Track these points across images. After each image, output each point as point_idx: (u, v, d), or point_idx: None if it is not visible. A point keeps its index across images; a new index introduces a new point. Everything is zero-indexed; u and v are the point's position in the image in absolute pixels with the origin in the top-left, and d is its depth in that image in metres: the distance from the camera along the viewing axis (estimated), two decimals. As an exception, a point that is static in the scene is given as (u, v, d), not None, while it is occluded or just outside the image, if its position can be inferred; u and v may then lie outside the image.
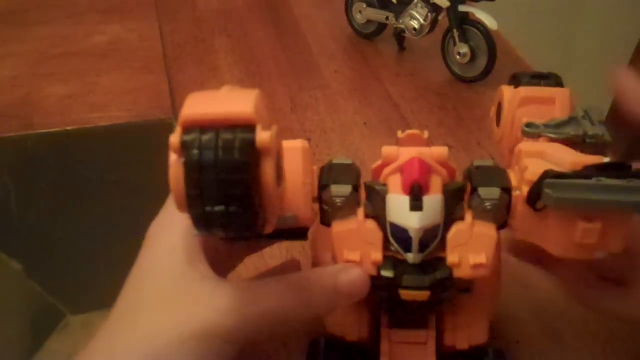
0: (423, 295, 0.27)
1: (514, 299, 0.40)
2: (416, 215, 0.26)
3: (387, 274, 0.27)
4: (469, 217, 0.28)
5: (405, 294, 0.27)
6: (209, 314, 0.25)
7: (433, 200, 0.26)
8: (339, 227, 0.28)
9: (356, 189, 0.28)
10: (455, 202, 0.28)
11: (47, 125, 0.57)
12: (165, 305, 0.26)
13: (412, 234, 0.26)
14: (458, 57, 0.62)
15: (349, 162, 0.30)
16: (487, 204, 0.27)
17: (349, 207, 0.28)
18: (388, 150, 0.28)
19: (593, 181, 0.25)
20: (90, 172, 0.58)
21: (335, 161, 0.30)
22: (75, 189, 0.58)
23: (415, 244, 0.26)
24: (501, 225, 0.28)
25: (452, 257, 0.27)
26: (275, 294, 0.26)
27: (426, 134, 0.30)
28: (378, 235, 0.27)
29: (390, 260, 0.27)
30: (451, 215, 0.27)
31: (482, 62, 0.61)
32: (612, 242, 0.27)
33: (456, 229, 0.27)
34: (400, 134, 0.30)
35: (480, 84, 0.63)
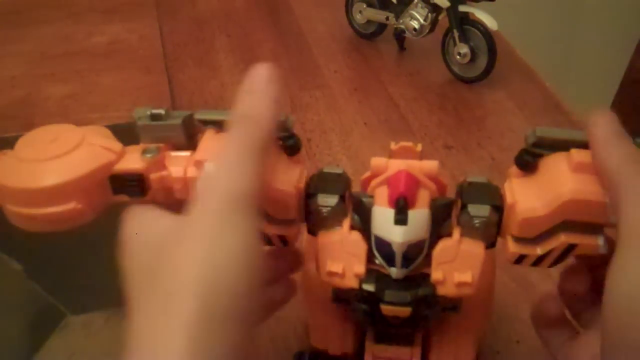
0: (404, 311, 0.26)
1: (514, 299, 0.40)
2: (400, 229, 0.25)
3: (369, 287, 0.26)
4: (456, 233, 0.27)
5: (386, 309, 0.26)
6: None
7: (419, 215, 0.25)
8: (324, 237, 0.27)
9: (343, 199, 0.28)
10: (443, 217, 0.27)
11: (47, 125, 0.57)
12: None
13: (395, 248, 0.25)
14: (458, 57, 0.62)
15: (339, 171, 0.29)
16: (476, 221, 0.26)
17: (335, 217, 0.27)
18: (376, 161, 0.28)
19: None
20: (90, 171, 0.58)
21: (325, 170, 0.29)
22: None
23: (398, 259, 0.25)
24: (490, 244, 0.27)
25: (436, 274, 0.26)
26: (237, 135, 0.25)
27: (419, 147, 0.29)
28: (362, 247, 0.27)
29: (373, 273, 0.27)
30: (438, 230, 0.26)
31: (482, 62, 0.61)
32: None
33: (442, 245, 0.26)
34: (393, 146, 0.29)
35: (480, 84, 0.63)
